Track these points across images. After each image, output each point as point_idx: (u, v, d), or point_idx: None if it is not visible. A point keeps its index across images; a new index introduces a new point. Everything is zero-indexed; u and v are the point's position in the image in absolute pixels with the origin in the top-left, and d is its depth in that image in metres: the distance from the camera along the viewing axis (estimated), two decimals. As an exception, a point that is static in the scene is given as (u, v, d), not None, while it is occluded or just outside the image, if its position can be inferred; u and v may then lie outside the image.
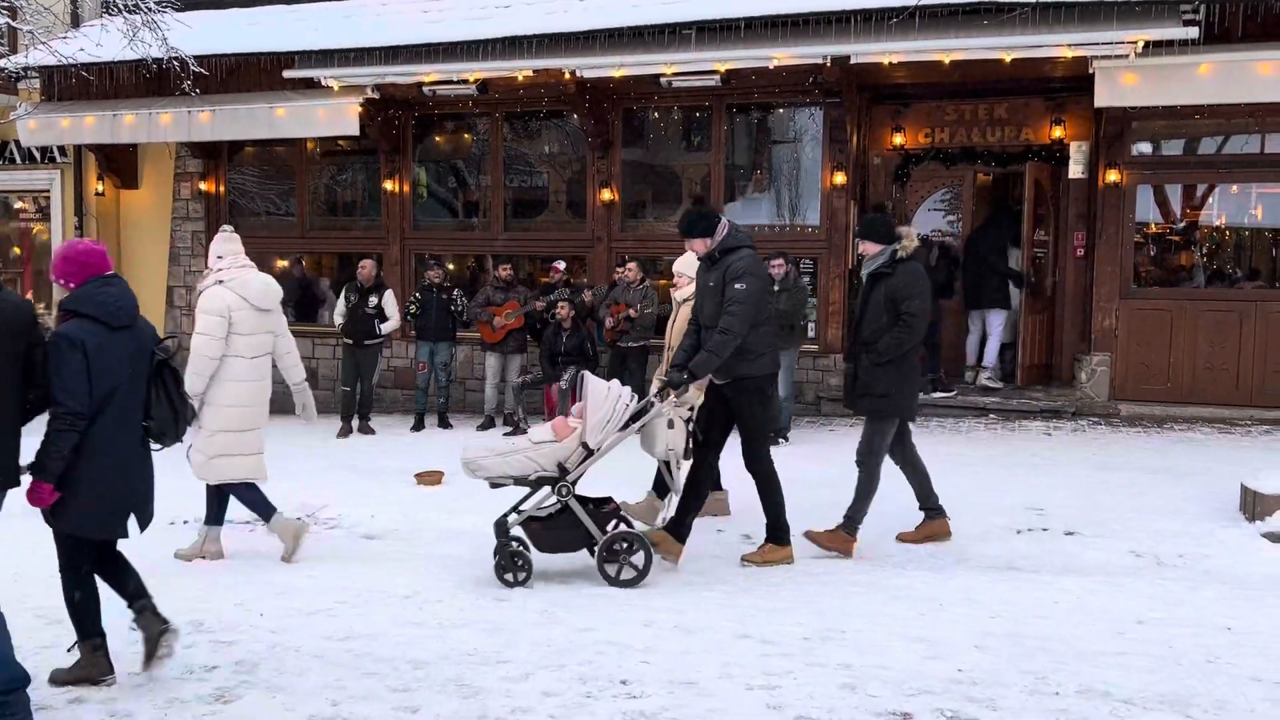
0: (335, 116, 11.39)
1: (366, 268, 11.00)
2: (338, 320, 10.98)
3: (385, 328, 10.94)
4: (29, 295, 14.20)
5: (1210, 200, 10.72)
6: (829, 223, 11.05)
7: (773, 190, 11.72)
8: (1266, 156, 10.05)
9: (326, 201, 13.42)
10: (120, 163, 13.42)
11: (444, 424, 11.06)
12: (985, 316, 11.11)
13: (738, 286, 5.74)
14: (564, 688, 4.02)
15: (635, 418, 5.79)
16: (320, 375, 12.85)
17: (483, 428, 10.83)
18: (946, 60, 9.48)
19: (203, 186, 13.20)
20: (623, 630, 4.68)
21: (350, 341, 10.88)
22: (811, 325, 10.95)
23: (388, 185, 12.43)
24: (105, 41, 10.79)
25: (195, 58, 10.41)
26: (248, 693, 4.07)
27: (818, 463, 8.70)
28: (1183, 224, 10.82)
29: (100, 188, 13.42)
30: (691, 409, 6.11)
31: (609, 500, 5.94)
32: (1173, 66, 9.08)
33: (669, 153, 12.19)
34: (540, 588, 5.46)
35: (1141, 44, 8.92)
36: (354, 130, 11.44)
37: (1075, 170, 10.84)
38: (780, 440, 9.57)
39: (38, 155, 13.63)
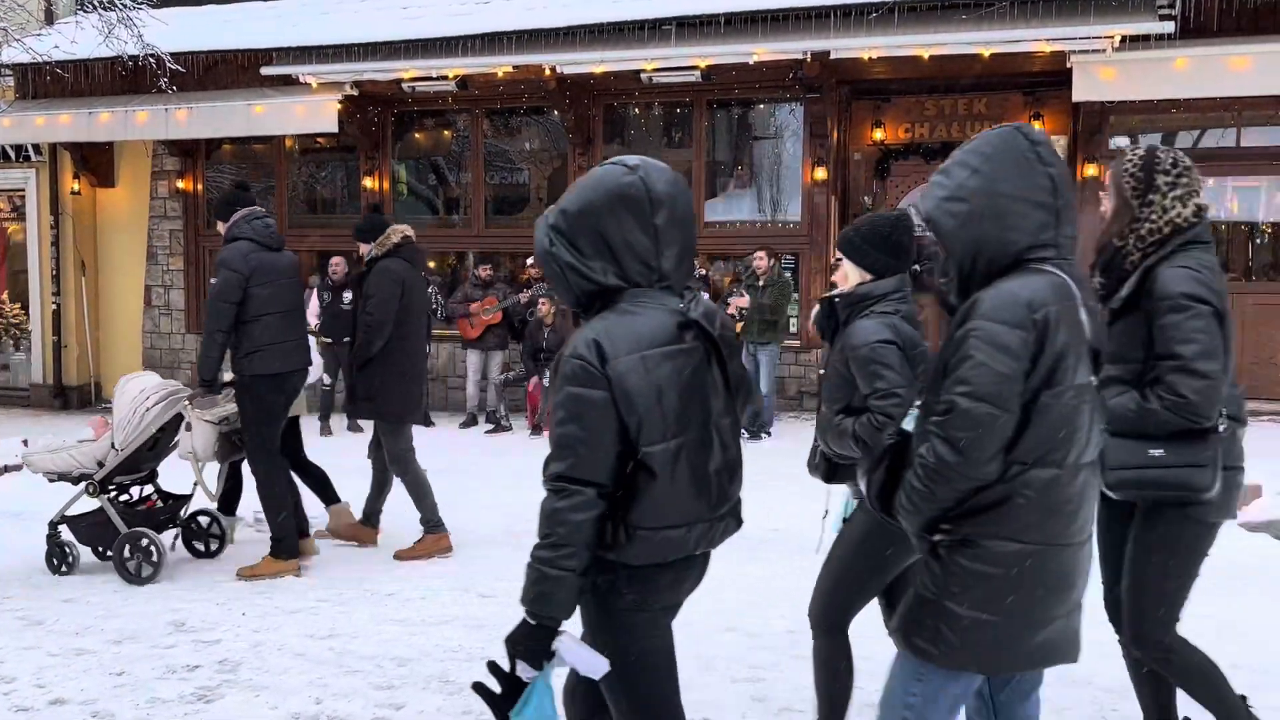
0: (314, 114, 11.32)
1: (339, 264, 10.91)
2: (313, 321, 10.64)
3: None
4: (3, 295, 14.06)
5: (1187, 194, 10.79)
6: (810, 218, 11.07)
7: (754, 186, 11.73)
8: (1242, 150, 10.13)
9: (306, 199, 13.35)
10: (96, 161, 13.28)
11: (426, 422, 11.00)
12: None
13: (213, 280, 5.43)
14: (549, 683, 4.01)
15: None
16: (301, 374, 12.78)
17: (465, 425, 10.80)
18: (925, 55, 9.52)
19: (180, 185, 13.09)
20: (607, 625, 4.67)
21: (329, 340, 10.74)
22: (794, 320, 10.97)
23: (367, 182, 12.37)
24: (80, 39, 10.67)
25: (172, 55, 10.32)
26: (230, 692, 4.04)
27: (800, 459, 8.73)
28: (1160, 217, 10.88)
29: (76, 186, 13.29)
30: (225, 419, 5.91)
31: (149, 498, 6.08)
32: (1149, 61, 9.15)
33: (650, 149, 12.16)
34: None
35: (1119, 39, 8.99)
36: (333, 127, 11.37)
37: (1053, 164, 10.91)
38: (763, 435, 9.60)
39: (12, 154, 13.45)
